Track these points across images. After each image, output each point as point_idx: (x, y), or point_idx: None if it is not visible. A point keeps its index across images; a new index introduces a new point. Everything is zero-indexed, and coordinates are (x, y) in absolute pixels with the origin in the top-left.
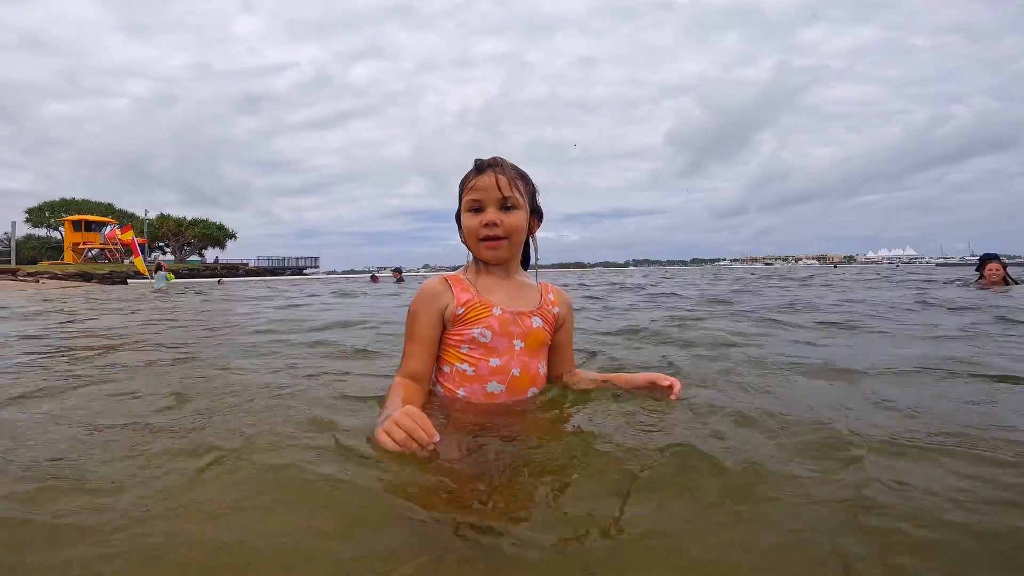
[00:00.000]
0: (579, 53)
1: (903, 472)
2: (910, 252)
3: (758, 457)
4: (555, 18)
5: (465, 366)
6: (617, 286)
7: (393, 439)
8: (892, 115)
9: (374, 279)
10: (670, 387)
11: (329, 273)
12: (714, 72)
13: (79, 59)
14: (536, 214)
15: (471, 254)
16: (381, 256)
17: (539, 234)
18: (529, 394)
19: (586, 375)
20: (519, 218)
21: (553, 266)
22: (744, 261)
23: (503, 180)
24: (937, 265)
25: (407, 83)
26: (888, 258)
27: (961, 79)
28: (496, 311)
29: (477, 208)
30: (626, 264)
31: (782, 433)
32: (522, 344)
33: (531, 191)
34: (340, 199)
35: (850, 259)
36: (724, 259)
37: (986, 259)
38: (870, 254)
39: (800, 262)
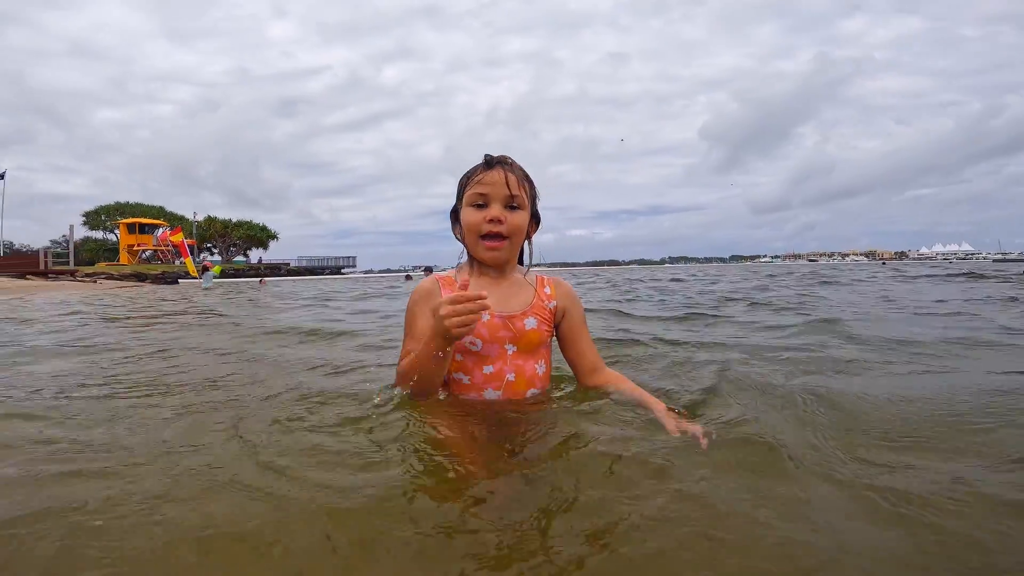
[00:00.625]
0: (608, 49)
1: None
2: (966, 247)
3: None
4: (583, 15)
5: (461, 375)
6: (691, 288)
7: (452, 315)
8: (943, 107)
9: (408, 278)
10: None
11: (366, 272)
12: (750, 65)
13: (126, 66)
14: (535, 218)
15: (465, 253)
16: (416, 255)
17: (571, 232)
18: (528, 395)
19: (620, 385)
20: (523, 219)
21: (587, 264)
22: (786, 258)
23: (512, 178)
24: (994, 261)
25: (437, 83)
26: (943, 253)
27: (1013, 69)
28: (484, 317)
29: (481, 204)
30: (661, 261)
31: None
32: (514, 348)
33: (533, 194)
34: (375, 199)
35: (901, 255)
36: (765, 256)
37: None
38: (923, 250)
39: (847, 258)
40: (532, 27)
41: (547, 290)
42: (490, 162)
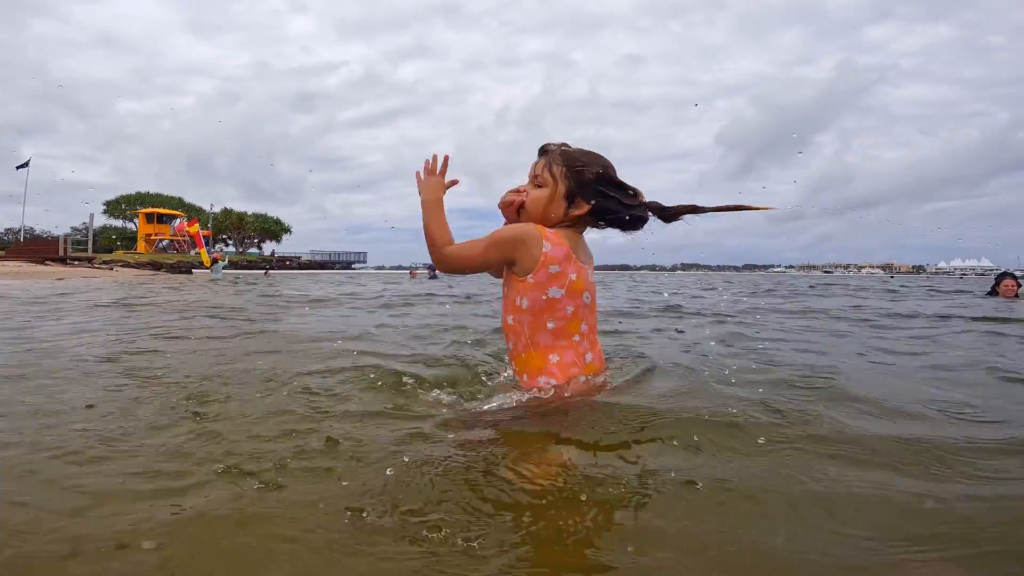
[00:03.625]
0: (626, 51)
1: None
2: (986, 263)
3: None
4: (601, 16)
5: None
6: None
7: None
8: (970, 117)
9: (412, 274)
10: None
11: (378, 268)
12: (771, 71)
13: (151, 58)
14: (584, 195)
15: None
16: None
17: (584, 235)
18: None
19: None
20: (540, 193)
21: (598, 268)
22: (801, 268)
23: (538, 163)
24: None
25: (453, 82)
26: (961, 269)
27: None
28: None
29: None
30: (673, 268)
31: None
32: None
33: (576, 174)
34: (389, 195)
35: (919, 269)
36: (779, 266)
37: (1001, 277)
38: (941, 264)
39: (863, 271)
40: (550, 27)
41: None
42: (541, 151)
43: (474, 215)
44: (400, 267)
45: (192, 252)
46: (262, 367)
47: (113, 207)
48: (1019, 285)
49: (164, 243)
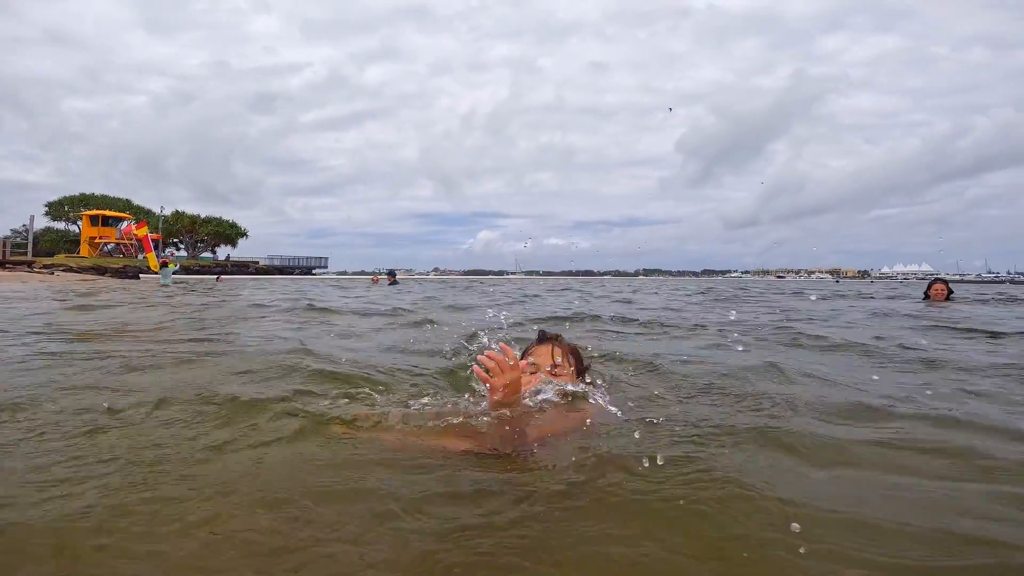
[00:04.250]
0: (592, 58)
1: None
2: (926, 268)
3: None
4: (570, 23)
5: None
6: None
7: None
8: (913, 126)
9: (374, 280)
10: None
11: (340, 273)
12: (730, 80)
13: (103, 56)
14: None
15: None
16: (392, 258)
17: (550, 241)
18: None
19: None
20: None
21: (563, 274)
22: (755, 274)
23: (557, 350)
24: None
25: (420, 86)
26: (903, 274)
27: (984, 90)
28: None
29: (533, 372)
30: (636, 274)
31: None
32: None
33: (580, 365)
34: (351, 199)
35: (864, 274)
36: (735, 271)
37: (933, 282)
38: (884, 269)
39: (813, 275)
40: (519, 33)
41: None
42: (542, 338)
43: (439, 220)
44: (363, 272)
45: (140, 256)
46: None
47: (55, 209)
48: (950, 291)
49: (110, 247)
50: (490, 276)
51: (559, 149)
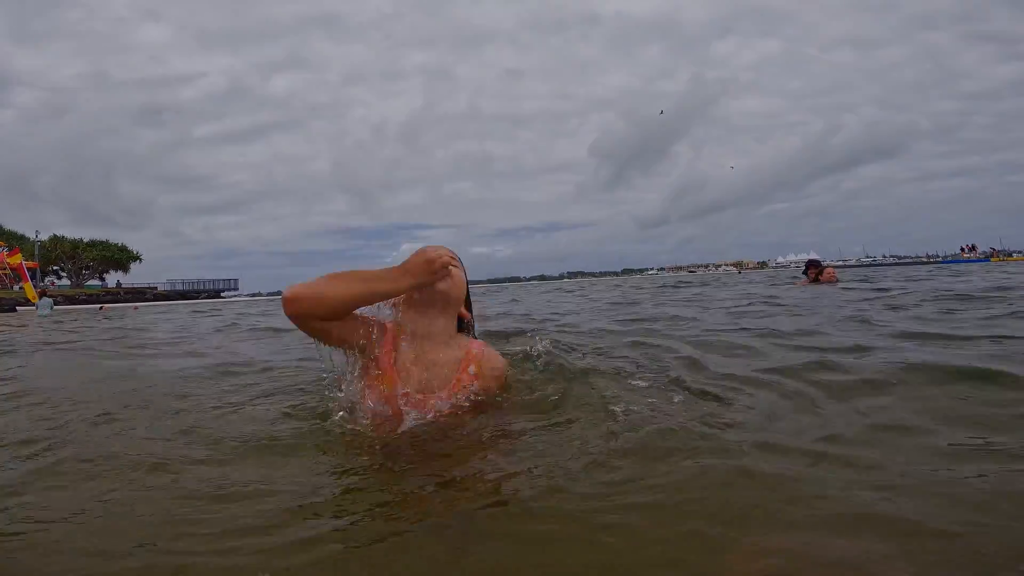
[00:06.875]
0: (508, 66)
1: None
2: (814, 256)
3: None
4: (485, 31)
5: None
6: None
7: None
8: (793, 126)
9: None
10: None
11: (253, 295)
12: (637, 85)
13: None
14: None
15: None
16: (311, 276)
17: (474, 250)
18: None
19: None
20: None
21: (488, 281)
22: (670, 270)
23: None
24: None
25: (333, 96)
26: (795, 262)
27: (851, 89)
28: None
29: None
30: (560, 277)
31: None
32: None
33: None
34: (260, 217)
35: (763, 264)
36: (652, 268)
37: (810, 264)
38: (779, 259)
39: (720, 268)
40: (434, 40)
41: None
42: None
43: (358, 234)
44: (278, 293)
45: (16, 287)
46: None
47: None
48: (819, 270)
49: None
50: None
51: (477, 157)
